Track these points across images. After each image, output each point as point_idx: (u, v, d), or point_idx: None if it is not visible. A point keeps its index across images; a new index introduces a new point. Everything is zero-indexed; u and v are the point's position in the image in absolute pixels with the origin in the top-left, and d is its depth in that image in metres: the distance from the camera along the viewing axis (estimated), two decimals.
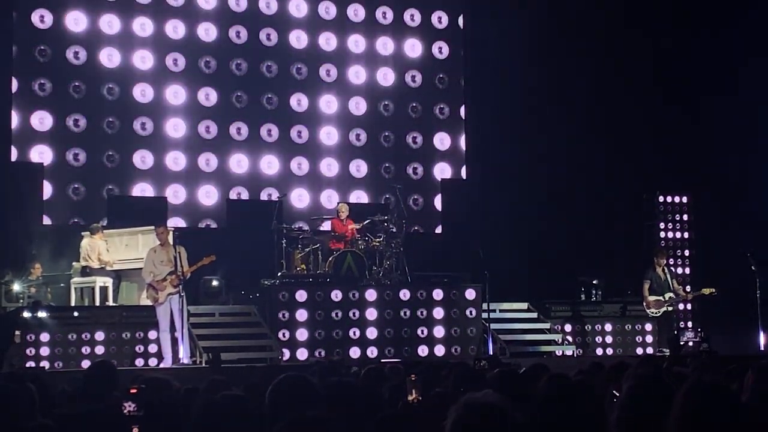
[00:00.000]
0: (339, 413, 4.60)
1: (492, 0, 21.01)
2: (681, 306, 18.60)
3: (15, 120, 18.71)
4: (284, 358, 14.90)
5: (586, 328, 17.41)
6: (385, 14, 21.44)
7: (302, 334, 15.38)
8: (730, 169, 19.97)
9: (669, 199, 20.17)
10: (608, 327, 17.51)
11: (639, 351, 17.02)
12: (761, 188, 20.02)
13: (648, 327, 17.47)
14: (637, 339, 17.55)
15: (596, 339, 17.42)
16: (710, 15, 20.21)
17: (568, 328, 17.27)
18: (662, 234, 20.04)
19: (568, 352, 16.56)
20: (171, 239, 14.67)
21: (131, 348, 14.72)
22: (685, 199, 20.21)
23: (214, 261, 14.74)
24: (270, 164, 20.30)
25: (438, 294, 16.25)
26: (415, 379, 5.61)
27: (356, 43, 21.21)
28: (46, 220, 18.56)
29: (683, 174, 20.38)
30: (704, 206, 20.04)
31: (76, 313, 14.86)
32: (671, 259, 19.26)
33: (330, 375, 6.81)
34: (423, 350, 15.95)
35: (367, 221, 16.95)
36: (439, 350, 16.00)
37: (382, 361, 13.48)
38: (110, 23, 19.45)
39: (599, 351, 17.23)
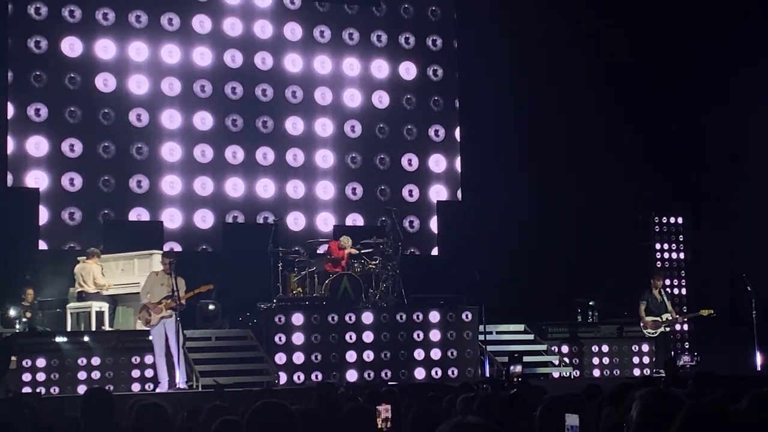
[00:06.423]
0: None
1: (484, 27, 21.07)
2: (678, 327, 18.63)
3: (11, 145, 18.72)
4: (280, 382, 14.86)
5: (583, 349, 17.40)
6: (380, 37, 21.53)
7: (299, 358, 15.36)
8: (725, 189, 19.97)
9: (665, 219, 20.20)
10: (605, 348, 17.48)
11: (636, 372, 16.99)
12: (757, 209, 20.01)
13: (645, 348, 17.44)
14: (634, 360, 17.51)
15: (593, 360, 17.39)
16: (710, 29, 20.26)
17: (565, 349, 17.24)
18: (658, 254, 20.06)
19: (565, 374, 16.54)
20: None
21: (127, 373, 14.68)
22: (681, 220, 20.24)
23: (212, 290, 14.70)
24: (266, 187, 20.31)
25: (435, 316, 16.24)
26: (387, 408, 5.53)
27: (351, 66, 21.29)
28: (42, 245, 18.53)
29: (679, 194, 20.40)
30: (700, 226, 20.06)
31: (86, 338, 14.79)
32: (668, 279, 19.27)
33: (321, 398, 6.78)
34: (420, 373, 15.92)
35: (365, 248, 16.93)
36: (436, 373, 15.97)
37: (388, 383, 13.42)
38: (106, 48, 19.50)
39: (596, 372, 17.22)
